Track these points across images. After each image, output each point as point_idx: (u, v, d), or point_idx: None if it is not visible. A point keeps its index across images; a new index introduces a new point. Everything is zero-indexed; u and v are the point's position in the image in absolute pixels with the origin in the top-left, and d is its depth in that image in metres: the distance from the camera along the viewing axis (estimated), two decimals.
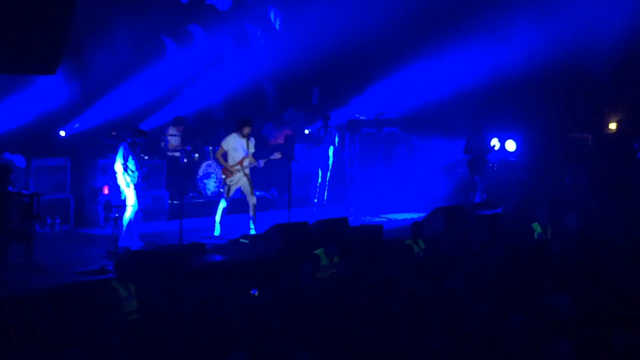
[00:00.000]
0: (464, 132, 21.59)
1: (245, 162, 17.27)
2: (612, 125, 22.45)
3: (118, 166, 15.92)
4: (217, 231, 17.28)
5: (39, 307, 11.93)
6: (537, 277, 12.40)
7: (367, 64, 23.77)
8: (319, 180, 21.40)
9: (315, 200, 21.36)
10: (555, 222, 17.30)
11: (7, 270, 13.75)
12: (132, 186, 15.98)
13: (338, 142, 21.42)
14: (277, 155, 17.66)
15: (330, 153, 21.36)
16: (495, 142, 21.90)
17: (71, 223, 17.97)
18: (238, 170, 17.24)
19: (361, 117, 23.93)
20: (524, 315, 10.12)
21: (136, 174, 16.00)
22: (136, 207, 16.10)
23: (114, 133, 19.39)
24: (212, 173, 19.51)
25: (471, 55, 22.89)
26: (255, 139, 17.71)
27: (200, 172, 19.46)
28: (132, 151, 15.98)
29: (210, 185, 19.54)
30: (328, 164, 21.41)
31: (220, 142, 17.60)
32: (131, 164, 15.92)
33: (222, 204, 17.33)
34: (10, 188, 14.74)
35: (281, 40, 23.73)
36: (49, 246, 15.78)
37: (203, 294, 12.70)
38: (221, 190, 18.39)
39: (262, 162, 17.47)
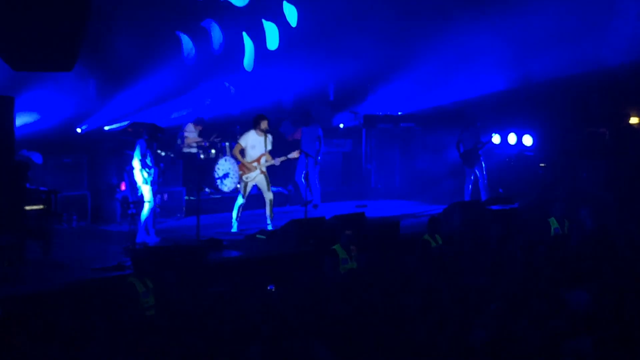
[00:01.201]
0: (481, 128, 21.55)
1: (262, 160, 17.28)
2: (630, 120, 22.35)
3: (136, 162, 15.94)
4: (234, 227, 17.28)
5: (56, 304, 11.97)
6: (555, 272, 12.36)
7: (384, 60, 23.68)
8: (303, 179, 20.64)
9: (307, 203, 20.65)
10: (572, 217, 17.25)
11: (25, 266, 13.76)
12: (149, 182, 15.99)
13: (322, 138, 20.82)
14: (294, 155, 17.66)
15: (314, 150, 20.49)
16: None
17: (88, 219, 17.99)
18: (255, 168, 17.25)
19: (378, 113, 23.90)
20: (542, 311, 10.09)
21: (153, 170, 16.01)
22: (152, 203, 16.11)
23: (130, 130, 19.39)
24: (229, 172, 19.49)
25: (488, 50, 22.80)
26: (272, 136, 17.65)
27: (218, 173, 19.44)
28: (149, 147, 16.00)
29: (228, 182, 19.54)
30: (312, 161, 20.15)
31: (238, 139, 17.61)
32: (148, 161, 15.93)
33: (239, 201, 17.33)
34: (27, 185, 14.76)
35: (297, 36, 23.70)
36: (67, 243, 15.80)
37: (220, 289, 12.72)
38: (238, 186, 18.40)
39: (278, 161, 17.49)
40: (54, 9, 13.12)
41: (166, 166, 16.98)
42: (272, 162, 17.48)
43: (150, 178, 15.97)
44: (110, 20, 19.47)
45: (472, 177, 20.95)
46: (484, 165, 20.96)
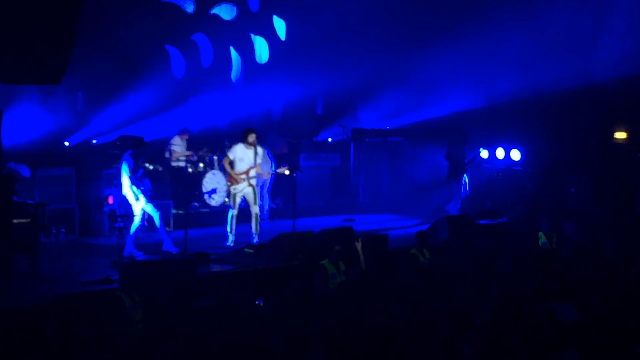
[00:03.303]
0: (470, 143, 21.63)
1: (252, 173, 17.30)
2: (618, 135, 22.44)
3: (125, 179, 15.90)
4: (229, 241, 17.26)
5: (44, 317, 11.95)
6: (542, 285, 12.41)
7: (373, 74, 23.71)
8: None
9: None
10: (560, 231, 17.32)
11: (12, 280, 13.75)
12: (141, 197, 15.95)
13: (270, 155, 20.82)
14: (283, 171, 17.69)
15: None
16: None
17: (76, 233, 17.93)
18: (242, 180, 17.27)
19: (366, 127, 23.94)
20: (531, 324, 10.14)
21: (145, 181, 15.99)
22: (158, 213, 16.08)
23: (118, 143, 19.37)
24: (217, 188, 19.51)
25: (476, 65, 22.89)
26: (261, 148, 17.64)
27: (206, 187, 19.45)
28: (137, 163, 15.97)
29: (216, 197, 19.56)
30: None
31: (226, 152, 17.61)
32: (137, 176, 15.92)
33: (231, 213, 17.30)
34: (15, 198, 14.75)
35: (286, 50, 23.76)
36: (54, 256, 15.77)
37: (208, 304, 12.72)
38: (226, 200, 18.44)
39: (266, 174, 17.54)
40: (43, 23, 13.14)
41: (153, 180, 16.92)
42: (262, 172, 17.50)
43: (141, 190, 15.93)
44: (98, 33, 19.48)
45: (461, 192, 21.07)
46: (467, 181, 21.10)
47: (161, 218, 16.25)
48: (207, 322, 11.46)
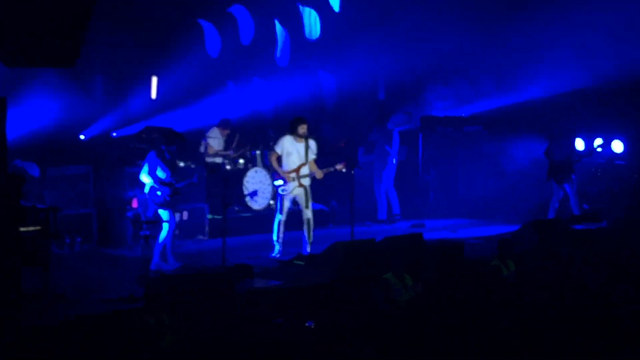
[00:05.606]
0: (560, 133, 21.44)
1: (303, 171, 17.18)
2: None
3: (145, 178, 15.92)
4: (275, 251, 17.24)
5: (56, 342, 12.01)
6: None
7: (445, 51, 23.60)
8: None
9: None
10: None
11: (20, 298, 13.82)
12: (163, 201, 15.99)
13: (397, 143, 21.36)
14: (340, 167, 17.51)
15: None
16: (598, 142, 21.72)
17: (94, 242, 18.08)
18: (293, 179, 17.17)
19: (437, 114, 23.87)
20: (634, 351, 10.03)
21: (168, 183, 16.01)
22: (167, 225, 16.08)
23: (144, 136, 19.44)
24: (260, 188, 19.51)
25: (567, 41, 22.71)
26: (316, 142, 17.50)
27: (247, 188, 19.46)
28: (162, 159, 15.93)
29: (259, 200, 19.56)
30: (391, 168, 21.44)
31: (274, 146, 17.51)
32: (160, 174, 15.89)
33: (278, 218, 17.25)
34: (22, 202, 14.84)
35: (341, 24, 23.73)
36: (69, 270, 15.88)
37: (251, 325, 12.71)
38: (271, 202, 18.40)
39: (320, 173, 17.34)
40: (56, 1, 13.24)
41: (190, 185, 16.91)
42: (316, 170, 17.30)
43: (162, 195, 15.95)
44: (120, 6, 19.58)
45: (560, 195, 20.79)
46: (574, 180, 20.81)
47: (171, 230, 16.20)
48: (248, 347, 11.45)
